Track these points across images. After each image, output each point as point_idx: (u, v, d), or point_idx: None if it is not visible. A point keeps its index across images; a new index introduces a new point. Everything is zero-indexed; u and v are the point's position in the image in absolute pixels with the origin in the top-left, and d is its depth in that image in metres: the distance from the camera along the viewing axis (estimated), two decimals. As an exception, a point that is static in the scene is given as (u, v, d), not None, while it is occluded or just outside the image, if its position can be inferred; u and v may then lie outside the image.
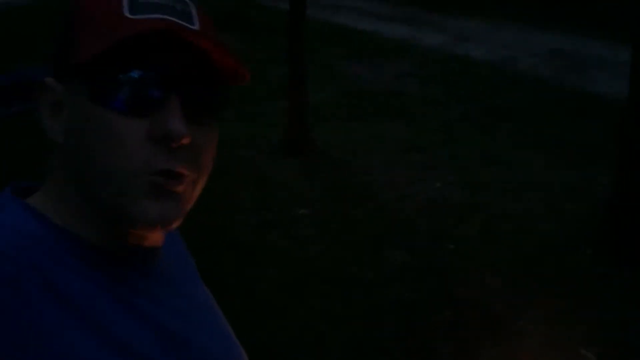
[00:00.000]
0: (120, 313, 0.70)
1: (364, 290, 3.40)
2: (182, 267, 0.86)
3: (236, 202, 4.25)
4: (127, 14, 0.68)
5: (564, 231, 3.96)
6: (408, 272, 3.55)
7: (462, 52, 8.35)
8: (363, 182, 4.76)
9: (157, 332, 0.73)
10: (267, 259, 3.69)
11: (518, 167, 4.93)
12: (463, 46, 8.65)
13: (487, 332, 3.02)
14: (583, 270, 3.56)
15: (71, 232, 0.72)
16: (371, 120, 6.02)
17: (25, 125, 5.09)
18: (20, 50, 7.63)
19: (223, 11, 8.23)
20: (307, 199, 4.41)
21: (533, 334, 2.99)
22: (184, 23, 0.69)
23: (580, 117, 5.89)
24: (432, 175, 4.79)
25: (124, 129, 0.68)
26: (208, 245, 3.54)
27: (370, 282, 3.47)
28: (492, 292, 3.35)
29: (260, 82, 6.33)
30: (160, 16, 0.68)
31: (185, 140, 0.68)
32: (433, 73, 7.45)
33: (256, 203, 4.32)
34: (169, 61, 0.69)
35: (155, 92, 0.68)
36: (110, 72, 0.68)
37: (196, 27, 0.70)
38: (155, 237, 0.76)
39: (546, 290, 3.36)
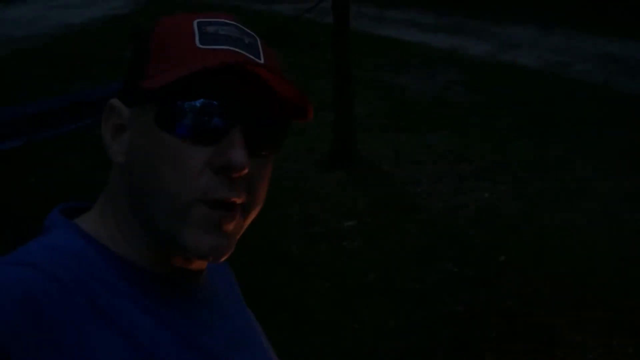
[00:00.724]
0: (164, 335, 0.71)
1: (414, 302, 3.36)
2: (227, 289, 0.86)
3: (285, 216, 4.27)
4: (199, 45, 0.70)
5: (621, 241, 3.85)
6: (459, 284, 3.50)
7: (509, 59, 8.24)
8: (411, 194, 4.73)
9: (200, 355, 0.73)
10: (316, 272, 3.68)
11: (572, 175, 4.82)
12: (511, 53, 8.53)
13: (540, 346, 2.95)
14: (641, 281, 3.45)
15: (118, 253, 0.73)
16: (418, 130, 5.97)
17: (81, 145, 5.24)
18: (76, 70, 7.85)
19: (270, 26, 8.32)
20: (354, 211, 4.40)
21: (589, 348, 2.91)
22: (251, 56, 0.71)
23: (634, 122, 5.72)
24: (482, 186, 4.72)
25: (185, 155, 0.69)
26: (258, 259, 3.56)
27: (420, 294, 3.43)
28: (546, 304, 3.28)
29: (307, 95, 6.35)
30: (230, 48, 0.70)
31: (245, 172, 0.69)
32: (480, 81, 7.36)
33: (304, 216, 4.33)
34: (235, 92, 0.70)
35: (219, 121, 0.69)
36: (177, 99, 0.69)
37: (262, 60, 0.72)
38: (202, 261, 0.77)
39: (603, 303, 3.27)
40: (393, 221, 4.27)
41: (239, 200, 0.71)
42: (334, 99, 5.23)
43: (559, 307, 3.24)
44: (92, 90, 4.67)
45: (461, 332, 3.11)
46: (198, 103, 0.69)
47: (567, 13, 10.67)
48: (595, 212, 4.24)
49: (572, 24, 9.81)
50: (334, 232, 4.14)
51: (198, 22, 0.72)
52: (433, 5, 12.34)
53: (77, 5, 13.03)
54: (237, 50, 0.70)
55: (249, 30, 0.75)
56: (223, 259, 0.73)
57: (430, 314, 3.26)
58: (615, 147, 5.23)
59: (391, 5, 12.41)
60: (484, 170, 5.02)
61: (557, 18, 10.27)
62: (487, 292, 3.41)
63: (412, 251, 3.87)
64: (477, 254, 3.81)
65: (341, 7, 5.07)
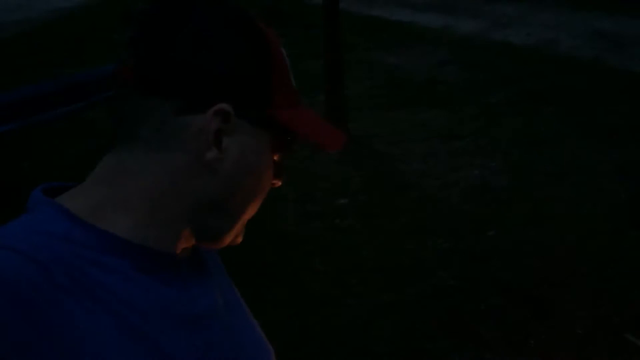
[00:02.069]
0: (155, 310, 0.70)
1: (408, 278, 3.40)
2: (213, 262, 0.87)
3: (278, 194, 4.29)
4: (294, 84, 0.81)
5: (610, 213, 3.90)
6: (452, 259, 3.55)
7: (500, 37, 8.25)
8: (404, 171, 4.76)
9: (192, 328, 0.73)
10: (311, 249, 3.72)
11: (562, 150, 4.86)
12: (502, 31, 8.54)
13: (532, 317, 3.00)
14: (630, 253, 3.50)
15: (108, 231, 0.70)
16: (411, 108, 6.00)
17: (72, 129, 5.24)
18: (67, 54, 7.82)
19: (260, 6, 8.29)
20: (348, 189, 4.44)
21: (580, 317, 2.96)
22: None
23: (624, 97, 5.77)
24: (475, 162, 4.76)
25: (268, 184, 0.81)
26: (253, 237, 3.58)
27: (414, 270, 3.47)
28: (537, 276, 3.32)
29: (298, 76, 6.35)
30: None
31: None
32: (472, 59, 7.38)
33: (298, 194, 4.36)
34: None
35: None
36: (289, 133, 0.78)
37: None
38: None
39: (593, 273, 3.32)
40: (386, 198, 4.31)
41: None
42: (325, 79, 5.24)
43: (549, 279, 3.29)
44: (84, 74, 4.66)
45: (455, 306, 3.16)
46: (291, 138, 0.79)
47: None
48: (585, 185, 4.29)
49: (560, 2, 9.81)
50: (328, 209, 4.17)
51: (284, 50, 0.79)
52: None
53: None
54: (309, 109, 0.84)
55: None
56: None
57: (423, 288, 3.30)
58: (604, 122, 5.27)
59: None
60: (475, 146, 5.05)
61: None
62: (479, 266, 3.46)
63: (405, 228, 3.91)
64: (469, 229, 3.86)
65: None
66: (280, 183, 0.82)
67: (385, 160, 4.99)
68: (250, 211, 0.79)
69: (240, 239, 0.81)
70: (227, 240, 0.79)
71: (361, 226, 3.97)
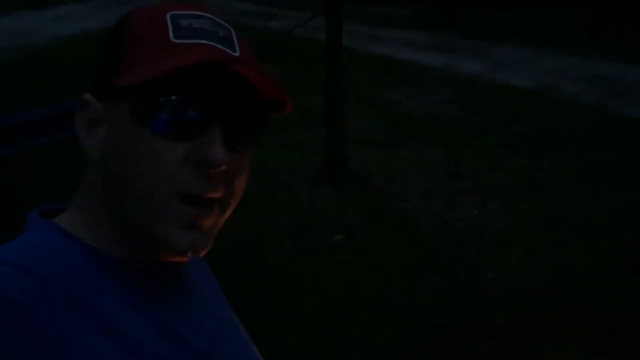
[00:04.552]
0: (148, 329, 0.70)
1: (403, 317, 3.35)
2: (206, 285, 0.85)
3: (275, 229, 4.26)
4: (173, 39, 0.69)
5: (608, 259, 3.86)
6: (448, 299, 3.50)
7: (502, 79, 8.30)
8: (402, 209, 4.73)
9: (184, 349, 0.72)
10: (306, 284, 3.67)
11: (560, 194, 4.84)
12: (503, 73, 8.60)
13: (529, 361, 2.95)
14: (627, 299, 3.46)
15: (98, 248, 0.72)
16: (410, 146, 6.00)
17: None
18: (67, 81, 7.85)
19: (262, 42, 8.36)
20: (345, 226, 4.40)
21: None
22: (227, 49, 0.70)
23: (623, 143, 5.77)
24: (473, 202, 4.74)
25: (162, 151, 0.68)
26: (247, 271, 3.55)
27: (410, 309, 3.42)
28: (534, 319, 3.27)
29: (299, 110, 6.38)
30: (205, 42, 0.69)
31: (224, 167, 0.68)
32: (473, 100, 7.41)
33: (295, 229, 4.32)
34: (211, 87, 0.68)
35: (196, 117, 0.68)
36: (151, 95, 0.68)
37: (237, 53, 0.71)
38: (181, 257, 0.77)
39: (589, 319, 3.27)
40: (383, 236, 4.27)
41: (216, 196, 0.70)
42: (326, 114, 5.25)
43: (545, 323, 3.24)
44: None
45: (450, 347, 3.10)
46: (174, 98, 0.68)
47: (558, 35, 10.79)
48: (583, 230, 4.26)
49: (563, 46, 9.91)
50: (324, 245, 4.13)
51: (171, 15, 0.70)
52: (425, 25, 12.45)
53: (66, 18, 13.07)
54: (212, 44, 0.69)
55: (223, 22, 0.73)
56: (201, 255, 0.72)
57: (419, 328, 3.25)
58: (604, 167, 5.27)
59: (384, 25, 12.51)
60: (474, 186, 5.04)
61: (548, 40, 10.38)
62: (475, 308, 3.41)
63: (401, 266, 3.86)
64: (466, 270, 3.81)
65: (334, 23, 5.11)
66: (211, 150, 0.68)
67: (383, 197, 4.97)
68: (161, 188, 0.68)
69: (204, 245, 0.72)
70: (171, 238, 0.70)
71: (356, 263, 3.93)
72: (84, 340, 0.65)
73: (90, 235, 0.73)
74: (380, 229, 4.39)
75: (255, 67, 0.69)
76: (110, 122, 0.71)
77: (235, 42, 0.72)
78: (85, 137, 0.73)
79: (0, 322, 0.61)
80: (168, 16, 0.71)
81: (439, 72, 8.75)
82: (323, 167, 5.18)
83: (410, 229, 4.37)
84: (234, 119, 0.70)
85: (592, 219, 4.40)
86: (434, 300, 3.49)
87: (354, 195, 4.95)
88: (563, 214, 4.50)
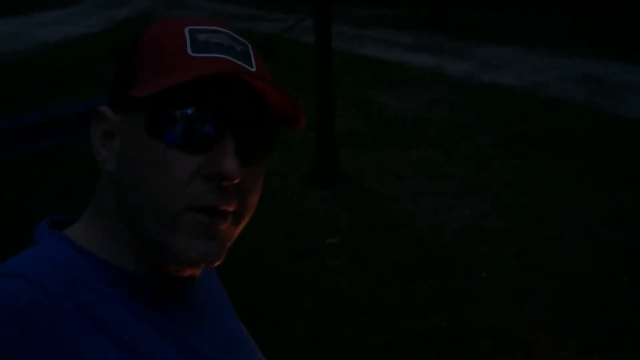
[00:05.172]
0: (158, 341, 0.70)
1: (397, 319, 3.34)
2: (217, 297, 0.86)
3: (268, 232, 4.23)
4: (190, 52, 0.69)
5: (600, 258, 3.86)
6: (442, 300, 3.49)
7: (490, 78, 8.32)
8: (394, 210, 4.72)
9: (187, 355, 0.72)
10: (299, 288, 3.65)
11: (552, 193, 4.85)
12: (491, 73, 8.62)
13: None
14: (621, 298, 3.46)
15: (108, 261, 0.72)
16: (401, 147, 5.99)
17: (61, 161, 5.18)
18: (53, 87, 7.80)
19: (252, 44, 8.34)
20: (338, 228, 4.38)
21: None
22: (244, 64, 0.70)
23: (613, 141, 5.79)
24: (465, 203, 4.73)
25: (175, 164, 0.68)
26: (240, 273, 3.52)
27: (404, 311, 3.41)
28: (527, 321, 3.27)
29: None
30: (222, 56, 0.70)
31: (237, 181, 0.68)
32: (462, 100, 7.42)
33: (287, 232, 4.30)
34: (226, 101, 0.69)
35: (210, 130, 0.69)
36: (167, 107, 0.68)
37: (254, 68, 0.71)
38: (194, 269, 0.76)
39: (584, 318, 3.27)
40: (376, 238, 4.26)
41: (230, 209, 0.70)
42: (316, 117, 5.23)
43: (540, 324, 3.24)
44: (70, 106, 4.62)
45: (444, 348, 3.09)
46: (189, 111, 0.68)
47: (547, 35, 10.85)
48: (575, 229, 4.26)
49: (551, 46, 9.96)
50: (318, 248, 4.11)
51: (189, 30, 0.71)
52: (413, 26, 12.48)
53: (50, 22, 12.99)
54: (229, 58, 0.70)
55: (241, 38, 0.74)
56: (215, 265, 0.72)
57: (413, 330, 3.24)
58: (594, 166, 5.28)
59: (371, 26, 12.52)
60: (466, 187, 5.03)
61: (536, 40, 10.42)
62: (470, 309, 3.40)
63: (395, 267, 3.85)
64: (460, 270, 3.80)
65: (323, 25, 5.09)
66: (225, 163, 0.67)
67: (375, 199, 4.96)
68: (173, 200, 0.68)
69: (218, 255, 0.71)
70: (183, 249, 0.69)
71: (350, 266, 3.91)
72: (93, 353, 0.65)
73: (101, 248, 0.73)
74: (374, 230, 4.37)
75: (270, 82, 0.69)
76: (125, 134, 0.72)
77: (252, 57, 0.73)
78: (101, 150, 0.74)
79: (9, 333, 0.61)
80: (186, 30, 0.71)
81: (428, 72, 8.76)
82: (314, 169, 5.17)
83: (403, 231, 4.36)
84: (248, 133, 0.70)
85: (585, 218, 4.41)
86: (429, 301, 3.48)
87: (347, 197, 4.94)
88: (556, 214, 4.50)
